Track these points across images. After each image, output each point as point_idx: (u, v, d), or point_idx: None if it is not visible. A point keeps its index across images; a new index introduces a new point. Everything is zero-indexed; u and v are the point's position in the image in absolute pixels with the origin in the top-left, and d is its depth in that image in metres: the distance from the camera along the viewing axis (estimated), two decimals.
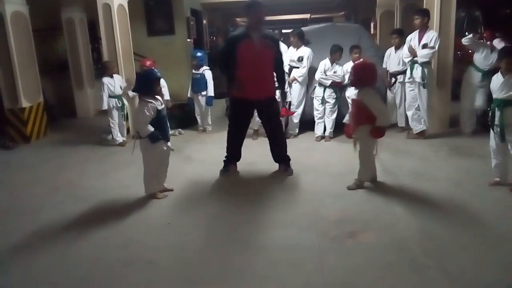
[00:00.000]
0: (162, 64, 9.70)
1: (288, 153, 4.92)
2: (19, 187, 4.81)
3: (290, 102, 6.24)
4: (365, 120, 4.07)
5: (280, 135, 4.91)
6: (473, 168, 4.69)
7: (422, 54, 5.68)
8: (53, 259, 3.16)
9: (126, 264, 3.03)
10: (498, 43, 5.67)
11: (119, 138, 6.39)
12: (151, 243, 3.33)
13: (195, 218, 3.74)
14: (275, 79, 4.80)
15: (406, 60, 5.89)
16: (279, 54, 4.78)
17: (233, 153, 4.96)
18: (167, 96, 6.60)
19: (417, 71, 5.76)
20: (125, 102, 6.38)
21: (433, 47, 5.61)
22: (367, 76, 4.14)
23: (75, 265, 3.07)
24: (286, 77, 6.12)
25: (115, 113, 6.31)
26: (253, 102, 4.68)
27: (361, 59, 5.88)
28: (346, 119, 6.05)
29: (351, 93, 6.10)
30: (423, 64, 5.72)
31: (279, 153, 4.91)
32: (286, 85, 5.81)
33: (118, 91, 6.27)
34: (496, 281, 2.67)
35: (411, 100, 5.98)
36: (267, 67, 4.65)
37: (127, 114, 6.48)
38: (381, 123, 4.03)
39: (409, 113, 6.04)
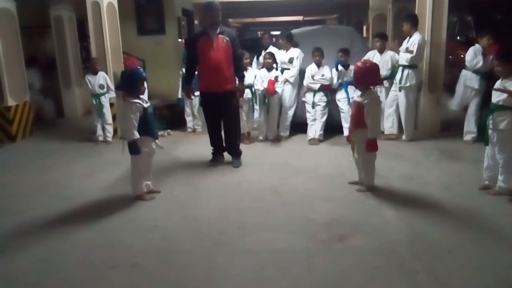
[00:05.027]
0: (152, 63, 9.66)
1: (243, 149, 5.26)
2: (3, 187, 4.70)
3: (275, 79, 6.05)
4: (364, 123, 4.00)
5: (235, 129, 5.18)
6: (463, 172, 4.68)
7: (403, 57, 5.79)
8: (36, 260, 3.09)
9: (111, 266, 2.96)
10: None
11: (99, 137, 6.41)
12: (136, 245, 3.26)
13: (182, 221, 3.67)
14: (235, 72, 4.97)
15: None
16: (237, 49, 4.99)
17: (215, 144, 5.23)
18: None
19: (399, 74, 5.85)
20: (103, 102, 6.31)
21: (411, 51, 5.65)
22: (370, 76, 4.05)
23: (59, 266, 3.00)
24: (279, 79, 6.10)
25: (94, 111, 6.38)
26: (214, 94, 4.92)
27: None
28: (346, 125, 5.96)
29: (341, 96, 6.09)
30: (404, 67, 5.78)
31: (232, 146, 5.18)
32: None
33: (97, 90, 6.24)
34: (485, 286, 2.64)
35: (389, 100, 6.07)
36: (225, 62, 4.83)
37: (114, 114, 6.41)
38: (370, 135, 3.98)
39: (386, 111, 6.05)
